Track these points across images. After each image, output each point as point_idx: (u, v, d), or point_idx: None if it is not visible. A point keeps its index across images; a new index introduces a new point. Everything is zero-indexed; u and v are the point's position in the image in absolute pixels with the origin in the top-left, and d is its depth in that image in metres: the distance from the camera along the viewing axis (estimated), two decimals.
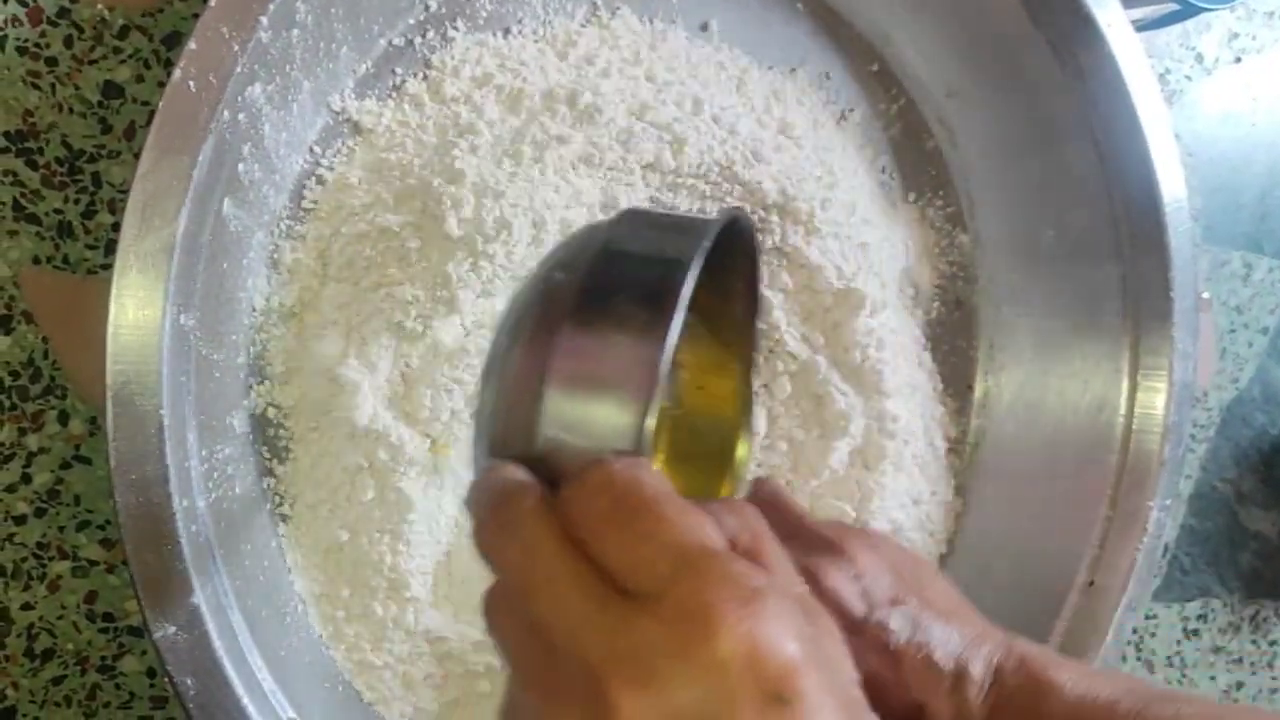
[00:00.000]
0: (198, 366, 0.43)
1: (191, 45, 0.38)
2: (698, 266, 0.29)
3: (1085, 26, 0.54)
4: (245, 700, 0.41)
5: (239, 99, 0.41)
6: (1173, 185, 0.56)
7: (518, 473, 0.28)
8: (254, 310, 0.47)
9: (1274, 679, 0.82)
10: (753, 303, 0.40)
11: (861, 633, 0.40)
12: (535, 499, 0.27)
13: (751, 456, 0.42)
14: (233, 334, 0.46)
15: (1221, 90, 0.77)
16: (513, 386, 0.30)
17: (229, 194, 0.43)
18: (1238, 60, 0.77)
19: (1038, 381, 0.63)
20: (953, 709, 0.40)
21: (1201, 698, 0.40)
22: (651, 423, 0.28)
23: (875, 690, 0.33)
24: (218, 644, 0.40)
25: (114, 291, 0.38)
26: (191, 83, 0.39)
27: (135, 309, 0.38)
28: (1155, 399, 0.57)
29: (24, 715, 0.49)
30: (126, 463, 0.38)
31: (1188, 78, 0.76)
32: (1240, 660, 0.80)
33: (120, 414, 0.38)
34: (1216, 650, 0.79)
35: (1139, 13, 0.64)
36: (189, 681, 0.39)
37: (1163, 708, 0.37)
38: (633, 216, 0.33)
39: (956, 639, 0.41)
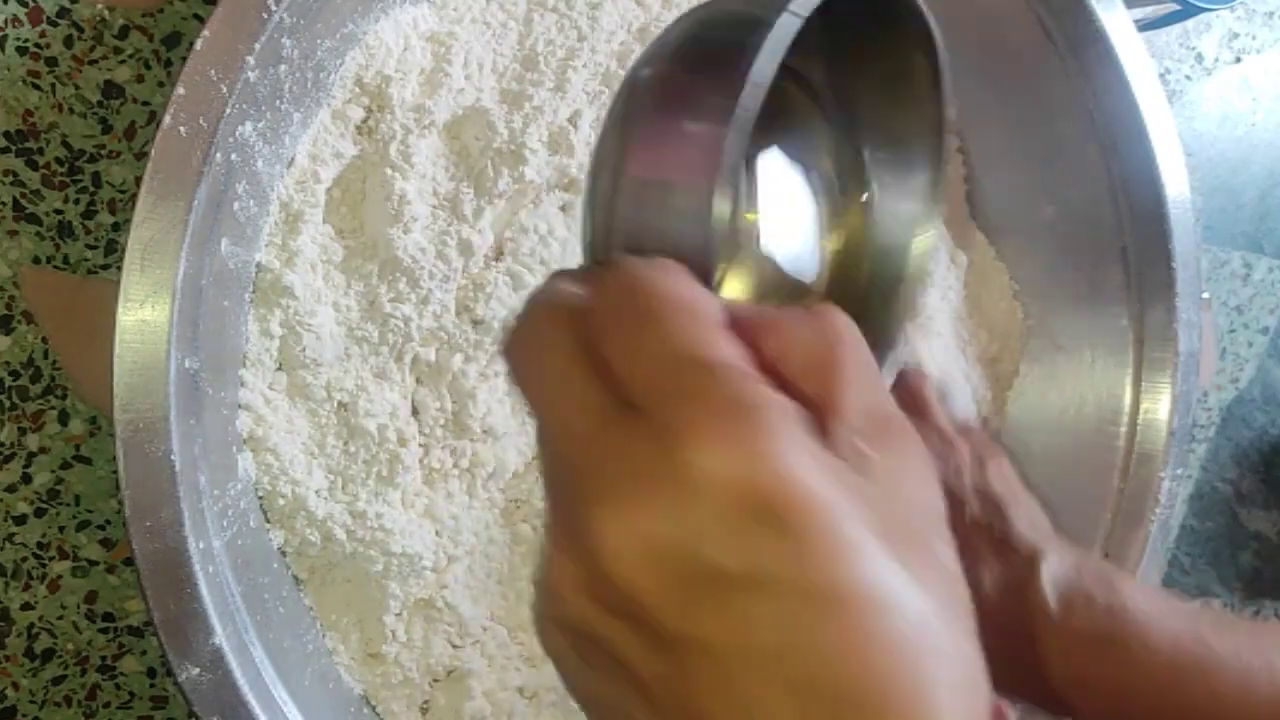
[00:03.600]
0: (204, 407, 0.42)
1: (180, 90, 0.38)
2: (788, 28, 0.26)
3: (1088, 27, 0.54)
4: None
5: (230, 139, 0.40)
6: (1177, 185, 0.56)
7: (561, 282, 0.25)
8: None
9: None
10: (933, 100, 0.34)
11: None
12: (561, 309, 0.24)
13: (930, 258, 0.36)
14: (237, 369, 0.45)
15: (1221, 90, 0.77)
16: (599, 188, 0.28)
17: (226, 234, 0.42)
18: (1238, 60, 0.77)
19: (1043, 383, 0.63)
20: (1015, 603, 0.38)
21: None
22: (722, 211, 0.25)
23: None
24: (241, 682, 0.40)
25: (117, 342, 0.38)
26: (183, 128, 0.38)
27: (139, 358, 0.38)
28: (1159, 406, 0.58)
29: (24, 715, 0.49)
30: (141, 510, 0.38)
31: (1188, 78, 0.76)
32: None
33: (131, 463, 0.38)
34: None
35: (1139, 13, 0.64)
36: None
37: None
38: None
39: (1042, 521, 0.39)
